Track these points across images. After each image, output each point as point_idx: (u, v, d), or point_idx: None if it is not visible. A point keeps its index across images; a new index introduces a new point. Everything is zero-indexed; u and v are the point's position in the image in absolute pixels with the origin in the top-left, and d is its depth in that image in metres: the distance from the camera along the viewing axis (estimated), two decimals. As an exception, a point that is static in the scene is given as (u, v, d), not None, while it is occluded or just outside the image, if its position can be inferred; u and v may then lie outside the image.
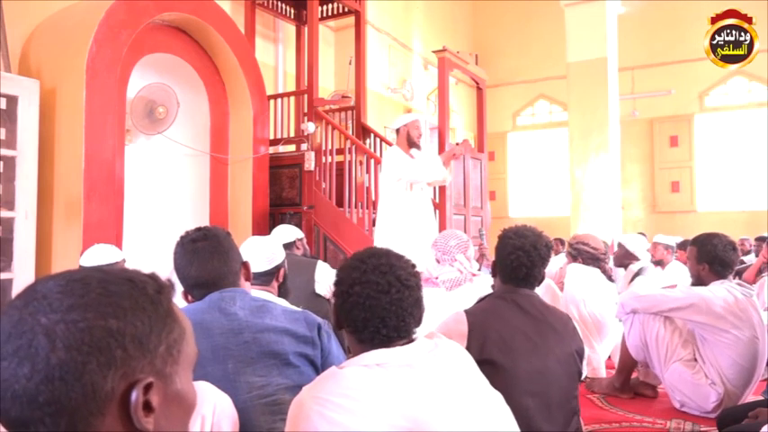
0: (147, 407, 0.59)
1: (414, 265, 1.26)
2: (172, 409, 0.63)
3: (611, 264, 4.04)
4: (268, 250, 2.00)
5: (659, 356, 2.78)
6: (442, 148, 4.84)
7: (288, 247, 3.03)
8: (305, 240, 3.36)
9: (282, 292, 2.04)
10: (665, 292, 2.79)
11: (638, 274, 3.98)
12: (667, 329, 2.77)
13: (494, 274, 1.95)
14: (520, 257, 1.82)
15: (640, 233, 7.25)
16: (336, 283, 1.24)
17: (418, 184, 4.16)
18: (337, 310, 1.23)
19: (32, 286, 0.62)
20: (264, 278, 1.96)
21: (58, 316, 0.57)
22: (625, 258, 4.18)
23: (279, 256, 2.01)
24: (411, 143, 4.24)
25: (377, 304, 1.17)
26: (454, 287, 2.84)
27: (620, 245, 4.23)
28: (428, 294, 2.85)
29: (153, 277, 0.66)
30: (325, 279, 2.93)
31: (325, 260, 4.58)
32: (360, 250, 1.27)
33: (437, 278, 2.87)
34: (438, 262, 2.91)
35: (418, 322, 1.23)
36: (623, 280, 4.17)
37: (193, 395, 0.68)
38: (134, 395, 0.58)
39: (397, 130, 4.33)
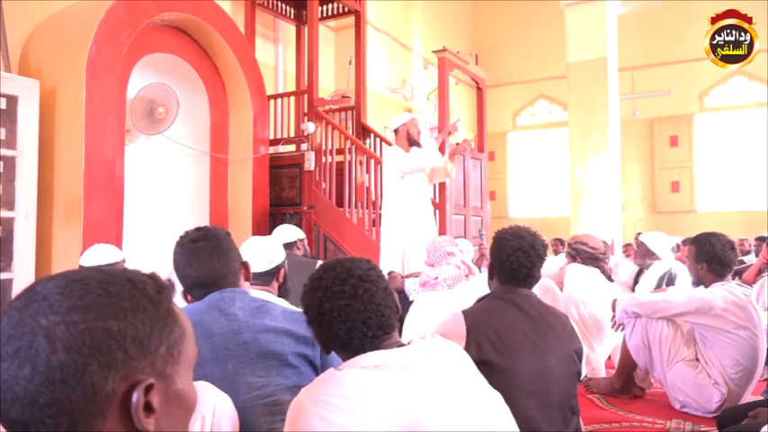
0: (148, 407, 0.59)
1: (369, 261, 1.27)
2: (172, 410, 0.63)
3: (611, 263, 4.00)
4: (268, 250, 2.00)
5: (662, 357, 2.77)
6: (442, 148, 4.85)
7: (288, 247, 3.03)
8: (305, 241, 3.36)
9: (282, 293, 2.04)
10: (667, 298, 2.77)
11: (665, 279, 3.84)
12: (670, 329, 2.78)
13: (491, 276, 1.95)
14: (519, 258, 1.81)
15: (639, 233, 7.25)
16: (305, 311, 1.24)
17: (420, 172, 4.16)
18: (318, 334, 1.23)
19: (32, 287, 0.61)
20: (265, 278, 1.96)
21: (58, 317, 0.57)
22: (646, 257, 4.09)
23: (279, 257, 2.01)
24: (411, 141, 4.27)
25: (352, 310, 1.17)
26: (456, 284, 2.84)
27: (641, 243, 4.16)
28: (427, 298, 2.87)
29: (153, 277, 0.66)
30: None
31: (325, 260, 4.58)
32: (312, 273, 1.26)
33: (436, 278, 2.87)
34: (432, 266, 2.92)
35: (397, 311, 1.24)
36: (645, 281, 4.01)
37: (194, 395, 0.68)
38: (135, 396, 0.58)
39: (396, 131, 4.35)
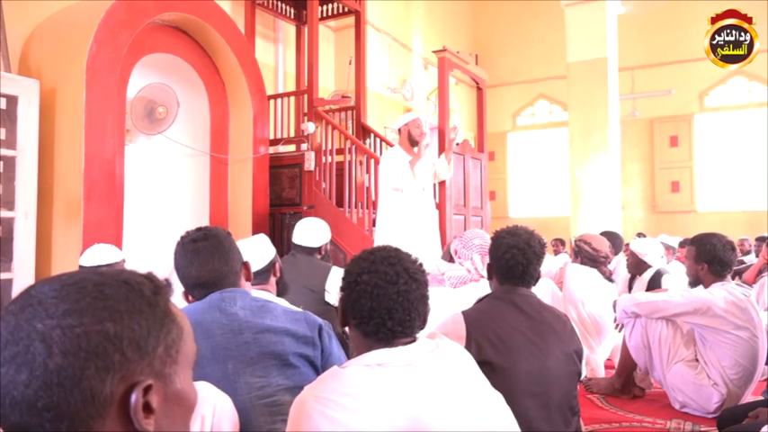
0: (147, 408, 0.60)
1: (421, 263, 1.27)
2: (172, 409, 0.63)
3: (611, 265, 3.98)
4: (258, 248, 2.01)
5: (661, 357, 2.77)
6: (441, 148, 4.85)
7: (311, 252, 2.99)
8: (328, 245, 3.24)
9: (281, 289, 2.04)
10: (667, 298, 2.77)
11: (655, 278, 3.78)
12: (670, 329, 2.77)
13: (490, 277, 1.95)
14: (515, 255, 1.82)
15: (640, 233, 7.26)
16: (344, 276, 1.25)
17: (398, 191, 4.19)
18: (344, 302, 1.24)
19: (27, 291, 0.62)
20: (261, 276, 1.96)
21: (54, 322, 0.57)
22: (638, 267, 3.98)
23: (270, 252, 2.03)
24: (413, 142, 4.28)
25: (384, 294, 1.17)
26: (459, 285, 2.84)
27: (631, 252, 4.04)
28: (432, 293, 2.85)
29: (149, 278, 0.66)
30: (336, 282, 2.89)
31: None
32: (368, 248, 1.29)
33: (443, 274, 2.87)
34: (455, 253, 2.90)
35: (423, 322, 1.24)
36: (636, 289, 3.92)
37: (194, 394, 0.68)
38: (133, 397, 0.59)
39: (399, 131, 4.38)
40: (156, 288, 0.65)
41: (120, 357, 0.58)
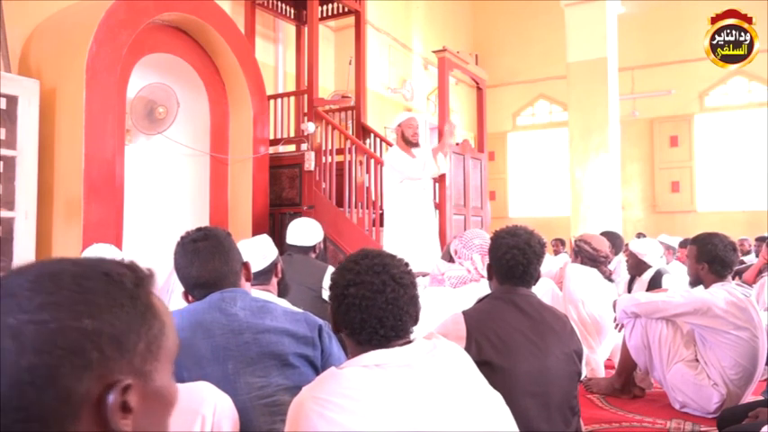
0: (125, 407, 0.56)
1: (407, 264, 1.27)
2: (152, 407, 0.60)
3: (612, 265, 3.98)
4: (261, 248, 2.01)
5: (661, 357, 2.77)
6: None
7: (306, 251, 3.06)
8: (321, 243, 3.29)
9: (282, 289, 2.05)
10: (667, 298, 2.77)
11: (655, 278, 3.80)
12: (670, 329, 2.77)
13: (490, 277, 1.95)
14: (515, 256, 1.82)
15: (639, 234, 7.26)
16: (331, 287, 1.24)
17: (417, 180, 4.21)
18: (334, 312, 1.23)
19: (0, 282, 0.57)
20: (263, 277, 1.97)
21: (27, 316, 0.53)
22: (637, 267, 3.98)
23: (272, 253, 2.03)
24: (407, 141, 4.32)
25: (373, 304, 1.17)
26: (459, 285, 2.84)
27: (631, 253, 4.04)
28: (433, 293, 2.86)
29: (131, 268, 0.62)
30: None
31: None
32: (353, 253, 1.27)
33: (443, 274, 2.87)
34: (455, 253, 2.91)
35: (415, 321, 1.23)
36: (636, 289, 3.92)
37: (174, 390, 0.64)
38: (111, 397, 0.55)
39: (395, 131, 4.43)
40: (138, 280, 0.61)
41: (98, 355, 0.54)
